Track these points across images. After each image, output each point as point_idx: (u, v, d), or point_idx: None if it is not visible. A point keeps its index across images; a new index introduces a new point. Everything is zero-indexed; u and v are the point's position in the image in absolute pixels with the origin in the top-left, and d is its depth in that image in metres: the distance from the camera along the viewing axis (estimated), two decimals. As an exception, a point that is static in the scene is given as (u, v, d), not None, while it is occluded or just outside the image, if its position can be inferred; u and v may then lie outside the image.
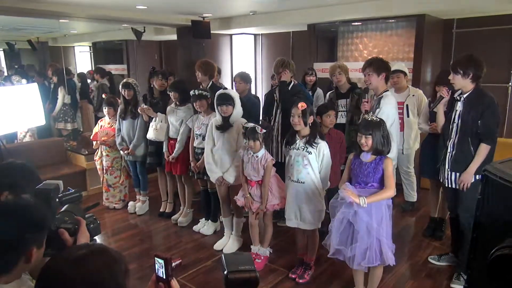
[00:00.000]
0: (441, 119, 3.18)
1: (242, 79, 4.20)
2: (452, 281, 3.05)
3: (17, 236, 1.19)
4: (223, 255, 1.20)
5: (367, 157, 2.56)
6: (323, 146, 2.91)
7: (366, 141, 2.50)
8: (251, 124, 3.05)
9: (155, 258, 1.22)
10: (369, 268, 2.67)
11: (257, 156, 3.09)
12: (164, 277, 1.22)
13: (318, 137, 2.91)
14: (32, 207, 1.28)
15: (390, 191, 2.53)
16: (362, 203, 2.43)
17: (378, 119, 2.56)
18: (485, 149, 2.78)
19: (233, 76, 4.46)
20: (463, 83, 2.83)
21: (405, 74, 4.12)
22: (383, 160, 2.52)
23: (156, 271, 1.23)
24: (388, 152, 2.57)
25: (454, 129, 2.91)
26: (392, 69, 4.06)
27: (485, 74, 2.83)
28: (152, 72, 4.31)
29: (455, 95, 2.98)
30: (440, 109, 3.19)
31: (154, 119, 4.10)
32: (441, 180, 3.08)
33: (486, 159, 2.79)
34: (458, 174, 2.91)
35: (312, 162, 2.89)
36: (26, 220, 1.22)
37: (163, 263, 1.21)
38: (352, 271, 2.78)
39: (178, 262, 1.25)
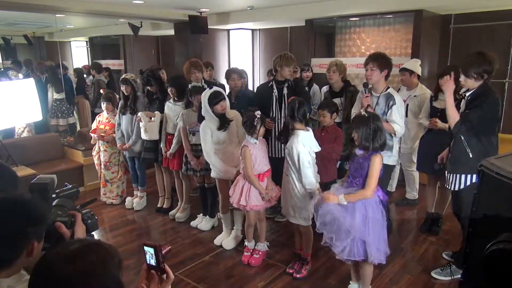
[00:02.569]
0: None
1: (240, 76, 4.19)
2: (436, 270, 3.08)
3: (19, 231, 1.19)
4: None
5: (359, 152, 2.56)
6: (294, 147, 2.84)
7: (354, 136, 2.52)
8: (258, 112, 3.02)
9: (144, 248, 1.22)
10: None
11: (259, 140, 3.09)
12: (156, 265, 1.22)
13: (287, 138, 2.89)
14: (32, 201, 1.29)
15: (366, 191, 2.45)
16: (341, 201, 2.43)
17: (366, 115, 2.52)
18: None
19: (227, 72, 4.38)
20: (467, 82, 2.69)
21: (411, 72, 3.98)
22: (371, 156, 2.47)
23: (148, 261, 1.23)
24: (376, 149, 2.47)
25: None
26: (401, 66, 4.06)
27: (492, 71, 2.61)
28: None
29: (461, 92, 2.90)
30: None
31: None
32: (446, 185, 2.95)
33: (487, 152, 2.57)
34: (455, 175, 2.78)
35: (290, 160, 2.91)
36: (27, 215, 1.22)
37: (153, 251, 1.21)
38: (349, 265, 2.80)
39: (167, 249, 1.26)
